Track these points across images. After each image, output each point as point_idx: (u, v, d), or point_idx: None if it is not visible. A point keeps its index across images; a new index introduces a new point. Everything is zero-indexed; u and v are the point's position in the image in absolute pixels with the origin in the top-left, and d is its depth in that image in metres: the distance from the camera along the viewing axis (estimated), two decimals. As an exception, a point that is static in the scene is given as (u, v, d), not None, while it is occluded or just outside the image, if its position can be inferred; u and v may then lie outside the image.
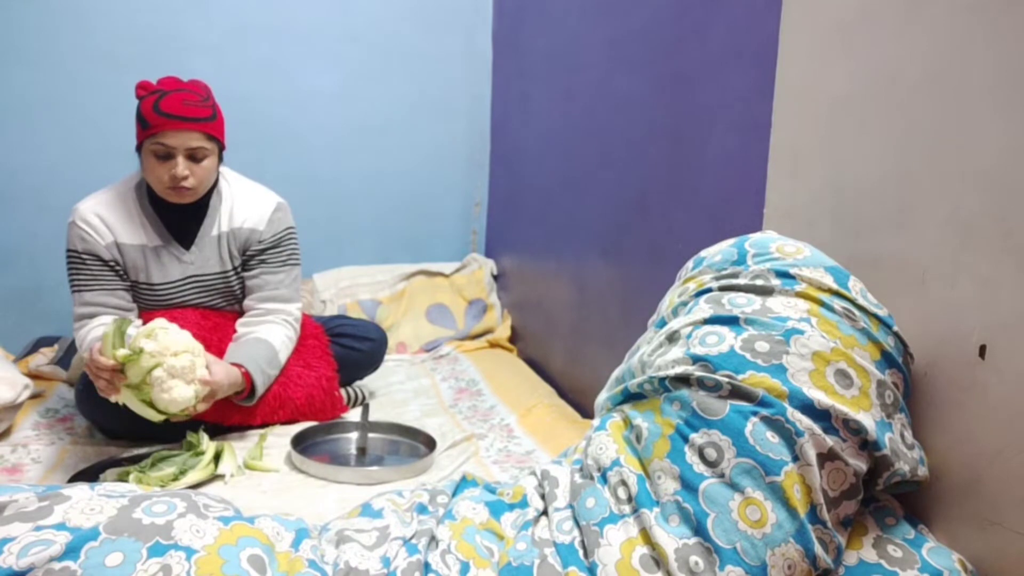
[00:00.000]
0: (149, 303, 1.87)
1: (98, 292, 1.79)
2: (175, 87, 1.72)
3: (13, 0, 2.40)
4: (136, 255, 1.82)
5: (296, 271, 1.96)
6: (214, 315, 1.91)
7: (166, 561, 0.90)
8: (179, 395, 1.54)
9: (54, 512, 0.93)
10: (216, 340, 1.85)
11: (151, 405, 1.55)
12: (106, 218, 1.79)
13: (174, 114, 1.68)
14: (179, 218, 1.85)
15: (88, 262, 1.78)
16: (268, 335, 1.84)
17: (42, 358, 2.26)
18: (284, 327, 1.89)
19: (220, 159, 1.83)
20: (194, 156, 1.73)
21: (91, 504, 0.95)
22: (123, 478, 1.51)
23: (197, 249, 1.86)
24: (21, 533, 0.90)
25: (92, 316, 1.78)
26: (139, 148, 1.75)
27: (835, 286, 1.09)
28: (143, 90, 1.72)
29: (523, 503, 1.17)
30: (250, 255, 1.90)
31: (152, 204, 1.83)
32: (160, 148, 1.70)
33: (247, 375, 1.74)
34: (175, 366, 1.54)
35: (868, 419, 1.00)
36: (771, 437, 0.98)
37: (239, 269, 1.92)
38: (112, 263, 1.80)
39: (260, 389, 1.78)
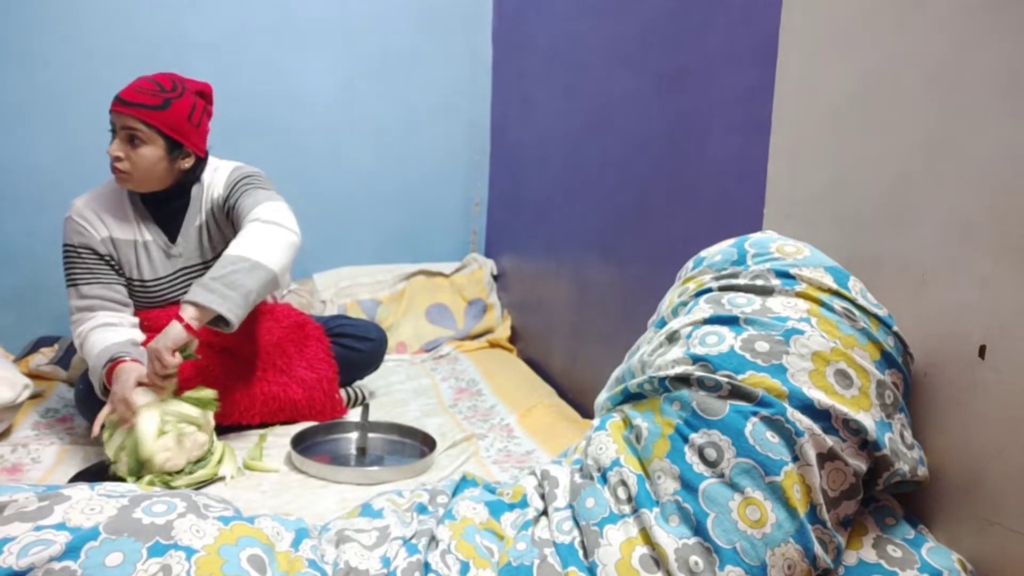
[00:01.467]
0: (144, 301, 1.87)
1: (95, 285, 1.79)
2: (146, 77, 1.76)
3: (13, 0, 2.40)
4: (128, 251, 1.83)
5: (262, 193, 1.76)
6: None
7: (166, 561, 0.90)
8: (173, 461, 1.53)
9: (54, 512, 0.93)
10: (211, 337, 1.85)
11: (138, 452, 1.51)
12: (101, 213, 1.81)
13: (120, 96, 1.71)
14: (167, 212, 1.85)
15: (84, 256, 1.79)
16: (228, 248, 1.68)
17: (42, 358, 2.26)
18: (244, 228, 1.68)
19: (178, 155, 1.77)
20: (131, 139, 1.72)
21: (91, 504, 0.95)
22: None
23: (183, 240, 1.86)
24: (21, 533, 0.90)
25: (90, 310, 1.77)
26: None
27: (835, 286, 1.09)
28: None
29: (523, 503, 1.17)
30: (224, 217, 1.84)
31: (142, 200, 1.84)
32: (110, 127, 1.73)
33: (184, 319, 1.56)
34: (196, 439, 1.57)
35: (868, 419, 1.00)
36: (771, 437, 0.98)
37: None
38: (107, 257, 1.81)
39: (210, 299, 1.55)
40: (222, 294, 1.57)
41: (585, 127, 2.15)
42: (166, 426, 1.53)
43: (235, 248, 1.64)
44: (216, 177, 1.88)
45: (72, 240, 1.79)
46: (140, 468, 1.51)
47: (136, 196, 1.84)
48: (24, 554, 0.87)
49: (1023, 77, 0.95)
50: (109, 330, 1.74)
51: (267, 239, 1.66)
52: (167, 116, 1.75)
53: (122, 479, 1.51)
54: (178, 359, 1.56)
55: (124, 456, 1.51)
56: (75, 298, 1.79)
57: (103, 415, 1.57)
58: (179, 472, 1.55)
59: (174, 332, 1.55)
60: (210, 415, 1.62)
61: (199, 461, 1.59)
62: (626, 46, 1.91)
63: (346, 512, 1.22)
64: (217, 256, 1.88)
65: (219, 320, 1.59)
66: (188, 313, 1.56)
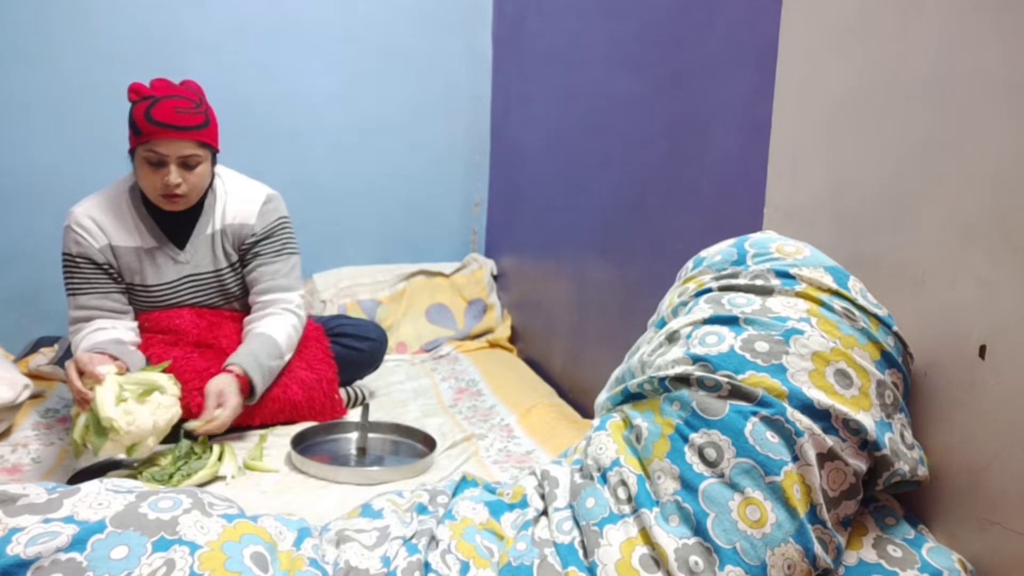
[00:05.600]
0: (145, 305, 1.87)
1: (92, 296, 1.79)
2: (167, 92, 1.71)
3: (12, 0, 2.40)
4: (130, 257, 1.82)
5: (293, 259, 1.93)
6: (209, 314, 1.91)
7: (170, 555, 0.91)
8: (138, 423, 1.50)
9: (63, 506, 0.95)
10: (212, 339, 1.85)
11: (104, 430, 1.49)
12: (100, 221, 1.79)
13: (166, 123, 1.67)
14: (174, 219, 1.85)
15: (82, 266, 1.78)
16: (268, 327, 1.83)
17: (42, 358, 2.26)
18: (285, 316, 1.87)
19: (214, 162, 1.83)
20: (187, 164, 1.72)
21: (99, 499, 0.97)
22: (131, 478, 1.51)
23: (192, 248, 1.86)
24: (30, 524, 0.91)
25: (87, 320, 1.78)
26: (132, 153, 1.75)
27: (835, 286, 1.09)
28: (135, 94, 1.71)
29: (523, 503, 1.17)
30: (245, 250, 1.90)
31: (146, 206, 1.83)
32: (152, 155, 1.70)
33: (241, 378, 1.73)
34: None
35: (868, 419, 1.00)
36: (771, 437, 0.98)
37: (236, 265, 1.91)
38: (106, 266, 1.80)
39: (259, 384, 1.76)
40: (265, 383, 1.79)
41: (585, 127, 2.15)
42: (124, 392, 1.51)
43: (284, 342, 1.85)
44: (238, 195, 1.89)
45: (70, 250, 1.79)
46: (106, 439, 1.47)
47: (140, 202, 1.83)
48: (32, 544, 0.89)
49: (1023, 77, 0.95)
50: (97, 334, 1.74)
51: (296, 342, 1.91)
52: (212, 130, 1.77)
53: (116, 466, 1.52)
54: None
55: (89, 436, 1.49)
56: (73, 308, 1.79)
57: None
58: (171, 470, 1.54)
59: (237, 403, 1.71)
60: (176, 387, 1.61)
61: (168, 455, 1.58)
62: (626, 46, 1.92)
63: (346, 512, 1.22)
64: (231, 265, 1.90)
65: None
66: (244, 378, 1.74)
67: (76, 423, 1.53)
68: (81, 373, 1.55)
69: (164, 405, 1.56)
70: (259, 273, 1.89)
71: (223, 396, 1.67)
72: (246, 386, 1.74)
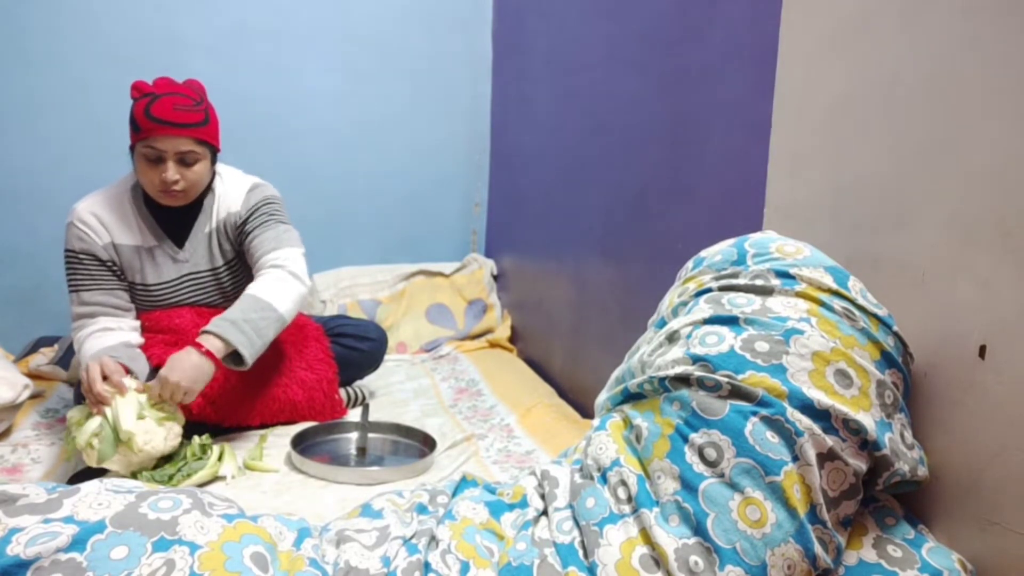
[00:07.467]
0: (145, 304, 1.87)
1: (96, 292, 1.78)
2: (168, 90, 1.71)
3: (16, 1, 2.41)
4: (131, 255, 1.82)
5: (282, 227, 1.85)
6: (209, 313, 1.91)
7: (170, 556, 0.91)
8: (153, 443, 1.52)
9: (63, 506, 0.95)
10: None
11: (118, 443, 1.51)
12: (103, 218, 1.79)
13: (164, 119, 1.67)
14: (174, 218, 1.85)
15: (86, 262, 1.78)
16: (249, 288, 1.74)
17: (42, 358, 2.26)
18: (268, 273, 1.77)
19: (214, 161, 1.83)
20: (184, 160, 1.72)
21: (99, 499, 0.97)
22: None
23: (190, 246, 1.86)
24: (30, 524, 0.91)
25: (91, 316, 1.78)
26: (132, 150, 1.75)
27: (835, 286, 1.09)
28: (137, 92, 1.72)
29: (523, 503, 1.18)
30: (237, 236, 1.88)
31: (147, 205, 1.83)
32: (151, 152, 1.70)
33: (199, 345, 1.61)
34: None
35: (868, 419, 1.00)
36: (771, 437, 0.98)
37: (232, 264, 1.91)
38: (109, 263, 1.80)
39: (235, 336, 1.62)
40: (250, 338, 1.64)
41: (585, 127, 2.15)
42: (143, 411, 1.53)
43: (264, 294, 1.70)
44: (230, 190, 1.88)
45: (73, 246, 1.78)
46: (115, 451, 1.48)
47: (141, 200, 1.83)
48: (31, 544, 0.89)
49: (1023, 77, 0.95)
50: (105, 335, 1.74)
51: (290, 293, 1.74)
52: (211, 128, 1.76)
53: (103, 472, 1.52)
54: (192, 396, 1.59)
55: (96, 442, 1.49)
56: (76, 304, 1.78)
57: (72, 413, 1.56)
58: (171, 470, 1.55)
59: (207, 369, 1.59)
60: (182, 417, 1.63)
61: (174, 457, 1.59)
62: (626, 46, 1.92)
63: (346, 512, 1.22)
64: (227, 263, 1.89)
65: (234, 357, 1.65)
66: (213, 344, 1.61)
67: (79, 427, 1.53)
68: (104, 378, 1.55)
69: (175, 432, 1.58)
70: (252, 249, 1.84)
71: (171, 367, 1.57)
72: (209, 352, 1.62)
